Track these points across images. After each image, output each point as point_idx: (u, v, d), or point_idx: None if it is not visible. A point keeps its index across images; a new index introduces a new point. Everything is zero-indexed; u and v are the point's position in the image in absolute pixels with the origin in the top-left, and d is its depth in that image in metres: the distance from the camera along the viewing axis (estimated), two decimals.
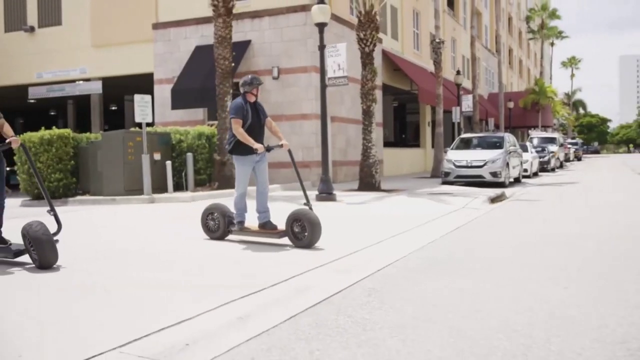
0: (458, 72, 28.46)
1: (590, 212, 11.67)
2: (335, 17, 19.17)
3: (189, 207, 12.47)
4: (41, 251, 6.12)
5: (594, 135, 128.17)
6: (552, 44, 74.06)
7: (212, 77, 18.23)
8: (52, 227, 6.31)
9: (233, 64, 16.62)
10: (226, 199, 14.30)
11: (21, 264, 6.39)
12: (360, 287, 5.22)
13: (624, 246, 7.34)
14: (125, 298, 4.80)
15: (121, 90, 24.54)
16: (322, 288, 5.15)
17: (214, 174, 16.04)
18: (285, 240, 7.54)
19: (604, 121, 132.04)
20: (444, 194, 14.64)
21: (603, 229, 8.86)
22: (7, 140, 6.53)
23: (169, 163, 14.93)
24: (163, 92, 20.71)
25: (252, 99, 7.77)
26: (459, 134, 26.09)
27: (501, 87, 42.45)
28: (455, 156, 19.45)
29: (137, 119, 14.35)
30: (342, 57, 14.10)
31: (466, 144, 20.93)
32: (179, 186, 15.65)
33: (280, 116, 19.31)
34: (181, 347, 3.60)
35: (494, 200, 14.33)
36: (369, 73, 16.63)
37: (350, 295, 4.92)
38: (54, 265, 6.14)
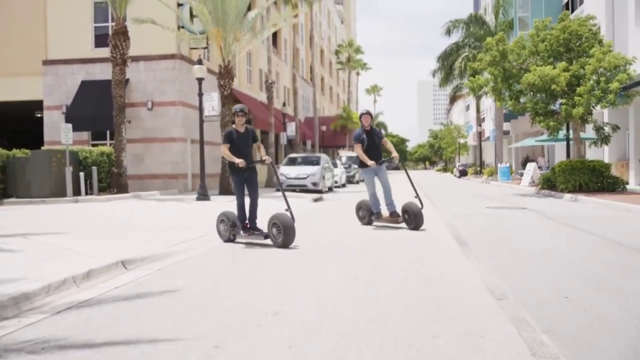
0: (284, 104, 35.58)
1: None
2: (192, 61, 25.18)
3: (119, 204, 17.91)
4: (287, 234, 8.38)
5: None
6: (357, 74, 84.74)
7: (100, 107, 23.56)
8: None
9: (126, 101, 22.11)
10: (127, 200, 19.81)
11: (266, 245, 8.90)
12: None
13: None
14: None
15: (11, 113, 28.60)
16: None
17: (112, 183, 21.33)
18: (404, 224, 10.90)
19: (403, 141, 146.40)
20: (282, 197, 21.27)
21: None
22: (263, 158, 9.13)
23: (82, 174, 20.06)
24: (52, 116, 25.39)
25: (366, 127, 11.09)
26: (285, 153, 33.10)
27: (316, 113, 50.48)
28: (286, 170, 26.25)
29: (63, 142, 19.46)
30: (215, 102, 20.41)
31: (293, 161, 27.89)
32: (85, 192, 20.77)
33: (153, 139, 24.99)
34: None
35: (316, 200, 21.26)
36: (227, 110, 22.88)
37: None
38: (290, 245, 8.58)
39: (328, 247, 8.67)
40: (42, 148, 21.10)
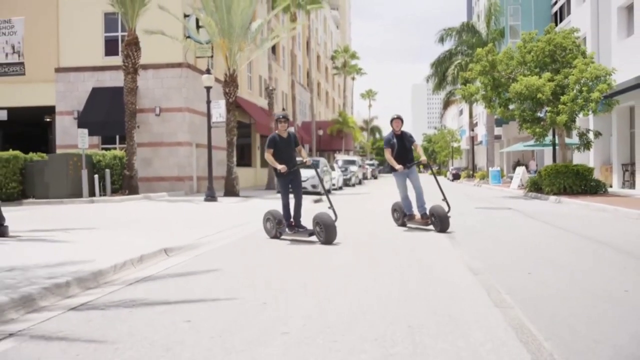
0: (283, 110, 36.98)
1: (368, 205, 20.30)
2: (197, 70, 26.53)
3: (133, 204, 19.20)
4: (328, 232, 9.02)
5: None
6: (353, 79, 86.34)
7: (110, 113, 24.88)
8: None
9: (137, 107, 23.42)
10: (139, 201, 21.08)
11: (311, 242, 9.64)
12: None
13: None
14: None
15: (17, 117, 29.79)
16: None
17: (124, 184, 22.63)
18: (432, 227, 11.21)
19: None
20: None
21: (375, 211, 17.36)
22: (304, 160, 9.69)
23: (96, 176, 21.34)
24: (64, 121, 26.69)
25: (397, 131, 11.23)
26: None
27: (313, 118, 51.88)
28: None
29: (80, 146, 20.75)
30: (222, 108, 21.75)
31: None
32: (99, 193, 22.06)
33: (161, 143, 26.30)
34: None
35: (316, 201, 22.60)
36: (232, 116, 24.23)
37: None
38: (334, 242, 9.28)
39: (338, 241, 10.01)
40: (57, 152, 22.37)
